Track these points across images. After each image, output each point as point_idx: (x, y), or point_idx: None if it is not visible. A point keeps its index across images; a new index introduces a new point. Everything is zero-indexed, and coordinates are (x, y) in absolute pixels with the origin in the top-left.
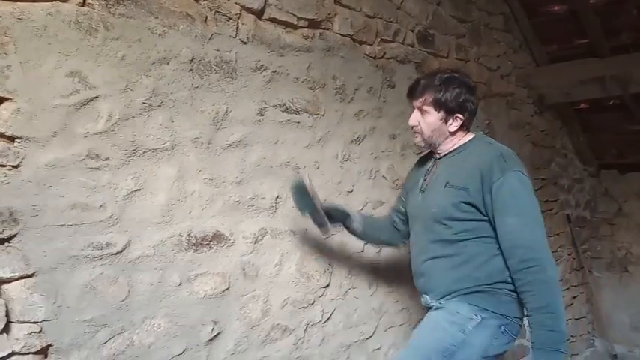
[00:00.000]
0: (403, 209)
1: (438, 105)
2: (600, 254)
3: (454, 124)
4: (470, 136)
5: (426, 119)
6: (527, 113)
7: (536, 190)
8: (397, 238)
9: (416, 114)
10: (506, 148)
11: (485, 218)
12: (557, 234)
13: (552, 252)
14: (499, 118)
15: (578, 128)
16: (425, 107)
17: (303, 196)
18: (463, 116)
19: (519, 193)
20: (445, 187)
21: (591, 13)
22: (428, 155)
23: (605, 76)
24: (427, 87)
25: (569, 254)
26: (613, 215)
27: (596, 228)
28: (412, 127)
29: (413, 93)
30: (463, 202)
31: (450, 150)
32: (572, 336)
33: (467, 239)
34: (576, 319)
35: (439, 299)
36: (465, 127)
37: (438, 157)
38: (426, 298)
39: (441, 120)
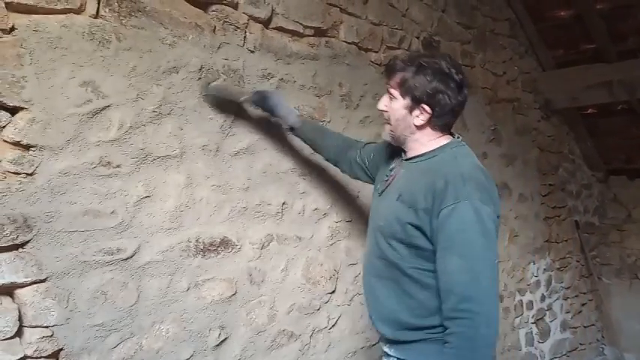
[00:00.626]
0: (366, 161)
1: (404, 89)
2: (609, 261)
3: (420, 118)
4: (443, 141)
5: (392, 104)
6: (533, 118)
7: (544, 196)
8: (345, 164)
9: (385, 97)
10: (474, 166)
11: (432, 245)
12: (566, 240)
13: (560, 259)
14: (505, 124)
15: (585, 133)
16: (392, 90)
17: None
18: (432, 109)
19: (469, 228)
20: (397, 199)
21: (597, 18)
22: (397, 149)
23: (612, 80)
24: (398, 67)
25: (577, 261)
26: (622, 221)
27: (605, 234)
28: (382, 114)
29: (386, 72)
30: (410, 224)
31: (416, 154)
32: (581, 344)
33: (412, 267)
34: (585, 326)
35: (387, 342)
36: (436, 127)
37: (404, 157)
38: (375, 324)
39: (405, 108)
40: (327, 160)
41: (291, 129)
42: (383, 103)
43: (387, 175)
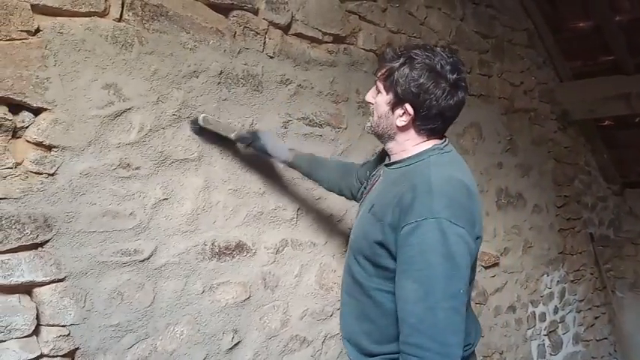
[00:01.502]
0: (366, 182)
1: (388, 83)
2: (624, 274)
3: (402, 118)
4: (426, 146)
5: (378, 98)
6: (550, 129)
7: (559, 207)
8: (346, 191)
9: (372, 89)
10: (449, 179)
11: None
12: (580, 252)
13: (574, 271)
14: (522, 134)
15: (602, 145)
16: (379, 82)
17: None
18: (415, 110)
19: (430, 250)
20: (369, 211)
21: (616, 30)
22: (384, 154)
23: (630, 93)
24: (388, 57)
25: (591, 274)
26: (637, 235)
27: (619, 247)
28: (369, 105)
29: (378, 61)
30: (376, 242)
31: (397, 159)
32: (593, 357)
33: (376, 288)
34: (598, 340)
35: None
36: (422, 131)
37: (387, 161)
38: (342, 341)
39: (388, 104)
40: (328, 190)
41: (286, 164)
42: (370, 95)
43: (369, 184)
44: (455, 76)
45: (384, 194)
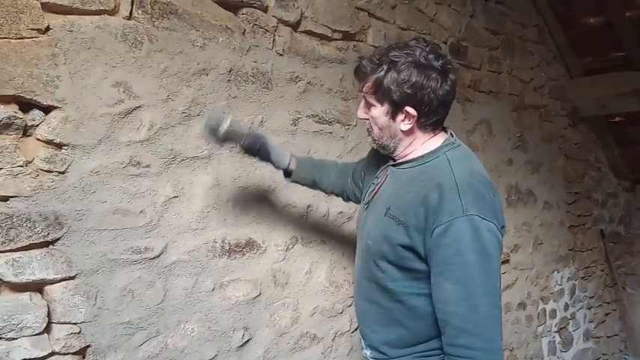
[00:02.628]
0: (360, 183)
1: (380, 94)
2: (634, 270)
3: (405, 122)
4: (436, 142)
5: (372, 112)
6: (560, 126)
7: (569, 204)
8: (348, 194)
9: (362, 104)
10: (471, 173)
11: (428, 267)
12: (591, 249)
13: (585, 267)
14: (532, 131)
15: (612, 142)
16: (368, 97)
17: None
18: (417, 110)
19: (466, 249)
20: (385, 214)
21: (628, 26)
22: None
23: None
24: (368, 69)
25: (602, 270)
26: None
27: (630, 244)
28: (364, 122)
29: (356, 77)
30: (401, 245)
31: (406, 159)
32: (604, 354)
33: (407, 293)
34: (608, 337)
35: None
36: (427, 127)
37: (392, 162)
38: (364, 350)
39: (386, 115)
40: (331, 194)
41: (286, 175)
42: (362, 111)
43: (373, 184)
44: (440, 62)
45: (400, 196)
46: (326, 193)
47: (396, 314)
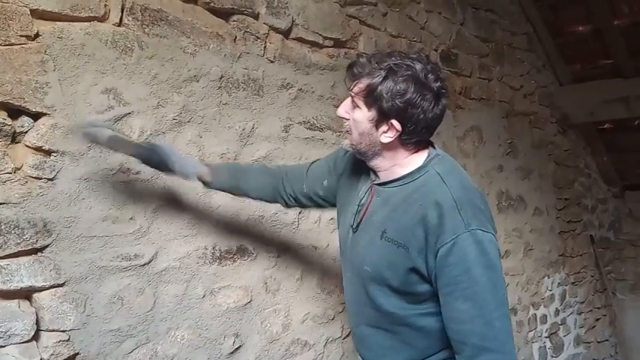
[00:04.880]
0: (319, 193)
1: (371, 99)
2: (624, 276)
3: (387, 135)
4: (420, 158)
5: (355, 114)
6: (550, 132)
7: (559, 210)
8: (272, 197)
9: (347, 103)
10: (465, 184)
11: (432, 287)
12: (581, 255)
13: (575, 273)
14: (522, 137)
15: (602, 148)
16: (356, 99)
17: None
18: (402, 126)
19: (475, 265)
20: (382, 238)
21: (616, 33)
22: (364, 165)
23: (629, 96)
24: (365, 70)
25: (592, 276)
26: (637, 237)
27: (620, 249)
28: (343, 120)
29: (349, 74)
30: (409, 269)
31: (392, 177)
32: (594, 359)
33: (413, 315)
34: (599, 341)
35: None
36: (409, 145)
37: (375, 179)
38: None
39: (370, 121)
40: (259, 200)
41: (204, 183)
42: (344, 109)
43: (357, 205)
44: (438, 84)
45: (395, 218)
46: (252, 198)
47: (405, 337)
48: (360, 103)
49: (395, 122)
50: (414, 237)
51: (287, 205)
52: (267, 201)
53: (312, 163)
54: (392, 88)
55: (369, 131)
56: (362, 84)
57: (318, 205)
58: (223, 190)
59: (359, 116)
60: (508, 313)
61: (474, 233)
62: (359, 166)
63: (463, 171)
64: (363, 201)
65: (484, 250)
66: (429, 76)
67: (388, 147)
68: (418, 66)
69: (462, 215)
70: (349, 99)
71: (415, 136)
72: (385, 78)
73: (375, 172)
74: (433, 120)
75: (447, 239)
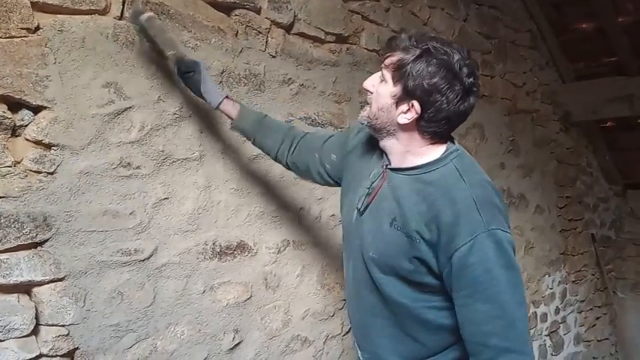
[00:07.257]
0: (328, 167)
1: (399, 74)
2: (625, 275)
3: (405, 115)
4: (438, 151)
5: (380, 88)
6: (552, 130)
7: (561, 208)
8: (287, 160)
9: (375, 77)
10: (483, 183)
11: (440, 282)
12: (582, 253)
13: (576, 271)
14: (524, 135)
15: (604, 147)
16: (385, 71)
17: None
18: (422, 109)
19: (495, 266)
20: (391, 225)
21: (620, 31)
22: (377, 148)
23: (633, 94)
24: (401, 44)
25: (593, 274)
26: (639, 236)
27: (621, 248)
28: (366, 93)
29: (386, 46)
30: (416, 258)
31: (406, 165)
32: (594, 358)
33: (424, 307)
34: (599, 340)
35: None
36: (425, 133)
37: (388, 164)
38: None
39: (392, 97)
40: (276, 161)
41: (230, 119)
42: (370, 82)
43: (368, 188)
44: (471, 79)
45: (407, 206)
46: (273, 159)
47: (408, 328)
48: (388, 77)
49: (416, 104)
50: (428, 231)
51: (289, 169)
52: (291, 169)
53: (330, 136)
54: (422, 69)
55: (388, 107)
56: (394, 57)
57: (321, 179)
58: (242, 134)
59: (383, 90)
60: (526, 311)
61: (494, 233)
62: (371, 147)
63: (480, 168)
64: (375, 184)
65: (504, 251)
66: (464, 69)
67: (404, 129)
68: (456, 56)
69: (481, 215)
70: (378, 73)
71: (434, 126)
72: (419, 57)
73: (387, 156)
74: (456, 114)
75: (464, 240)
